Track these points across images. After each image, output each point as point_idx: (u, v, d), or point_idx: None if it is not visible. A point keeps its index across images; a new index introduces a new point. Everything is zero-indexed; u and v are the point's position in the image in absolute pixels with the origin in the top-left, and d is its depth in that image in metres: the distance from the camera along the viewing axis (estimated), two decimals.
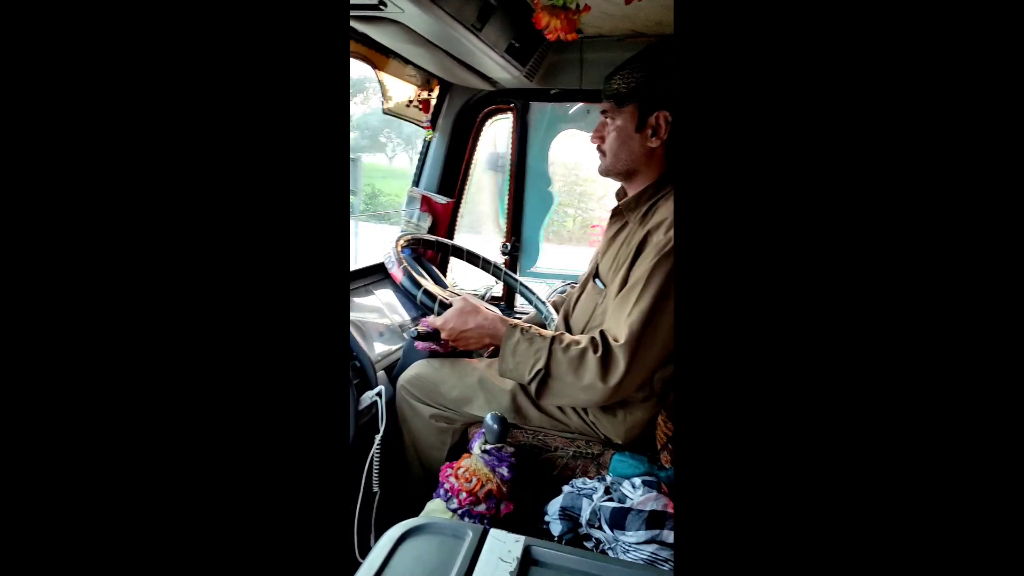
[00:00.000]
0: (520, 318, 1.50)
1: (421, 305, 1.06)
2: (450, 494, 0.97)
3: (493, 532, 0.67)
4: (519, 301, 1.84)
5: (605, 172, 1.08)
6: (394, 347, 1.37)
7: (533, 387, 0.97)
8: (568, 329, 1.18)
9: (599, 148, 1.07)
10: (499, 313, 1.07)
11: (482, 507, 0.96)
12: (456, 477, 0.98)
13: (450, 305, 1.05)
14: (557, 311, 1.33)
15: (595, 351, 0.93)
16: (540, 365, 0.95)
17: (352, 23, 1.09)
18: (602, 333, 0.95)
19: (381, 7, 0.90)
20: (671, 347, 0.98)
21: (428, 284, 1.10)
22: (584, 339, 0.95)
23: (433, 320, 1.06)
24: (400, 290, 1.55)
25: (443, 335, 1.05)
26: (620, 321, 0.94)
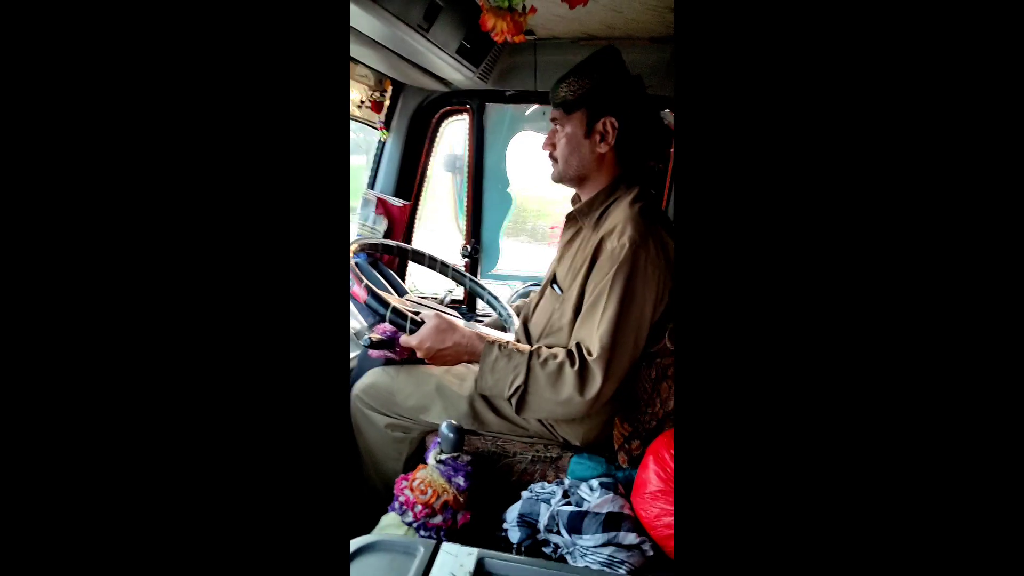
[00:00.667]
0: (482, 321, 1.49)
1: (391, 323, 1.02)
2: (405, 507, 0.95)
3: (445, 546, 0.65)
4: (480, 304, 1.82)
5: (558, 179, 1.08)
6: (351, 355, 1.33)
7: (513, 402, 0.97)
8: (527, 334, 1.17)
9: (551, 155, 1.07)
10: (478, 328, 1.06)
11: (438, 519, 0.95)
12: (411, 489, 0.96)
13: (422, 322, 1.01)
14: (518, 315, 1.32)
15: (572, 364, 0.93)
16: (519, 381, 0.95)
17: None
18: (578, 346, 0.95)
19: None
20: (640, 351, 0.99)
21: (394, 299, 1.07)
22: (561, 353, 0.95)
23: (407, 339, 1.02)
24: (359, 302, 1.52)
25: (419, 354, 1.02)
26: (592, 333, 0.95)
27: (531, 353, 0.97)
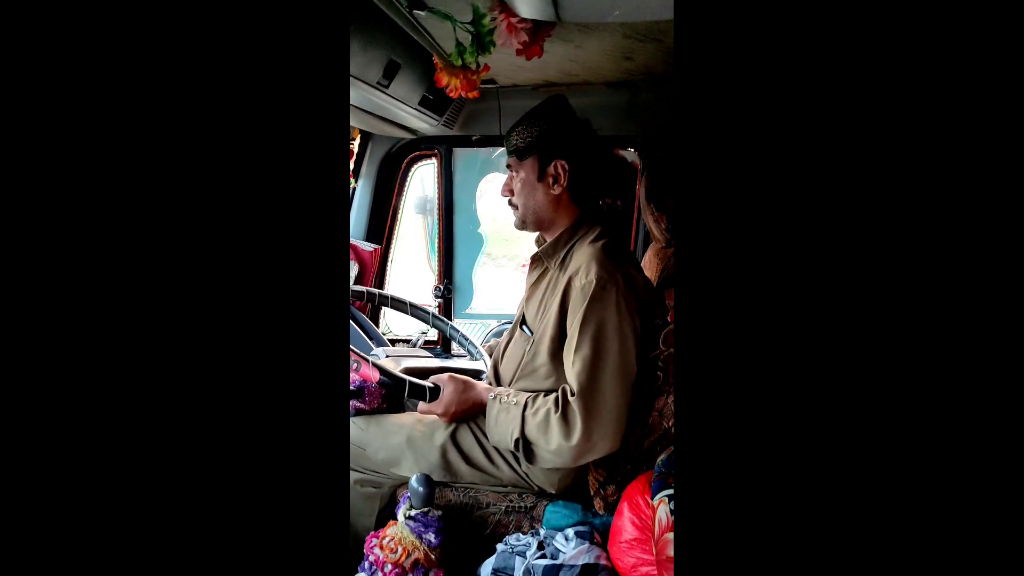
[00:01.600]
0: (458, 362, 1.48)
1: (409, 396, 1.06)
2: (375, 567, 0.93)
3: None
4: (455, 344, 1.82)
5: (520, 224, 1.10)
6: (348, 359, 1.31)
7: (521, 455, 0.98)
8: (497, 377, 1.17)
9: (510, 202, 1.09)
10: (467, 370, 1.09)
11: None
12: (381, 548, 0.94)
13: (438, 388, 1.05)
14: (490, 356, 1.32)
15: (556, 410, 0.94)
16: (517, 433, 0.96)
17: None
18: (563, 390, 0.96)
19: None
20: (627, 388, 0.96)
21: (407, 373, 1.08)
22: (551, 399, 0.96)
23: (430, 408, 1.06)
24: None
25: (444, 420, 1.07)
26: (570, 373, 0.96)
27: (525, 403, 0.98)
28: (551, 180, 1.04)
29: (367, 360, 1.05)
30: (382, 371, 1.04)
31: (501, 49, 0.86)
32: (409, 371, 1.10)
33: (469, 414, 1.07)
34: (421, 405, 1.08)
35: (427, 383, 1.07)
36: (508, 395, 1.02)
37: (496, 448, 1.07)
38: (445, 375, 1.08)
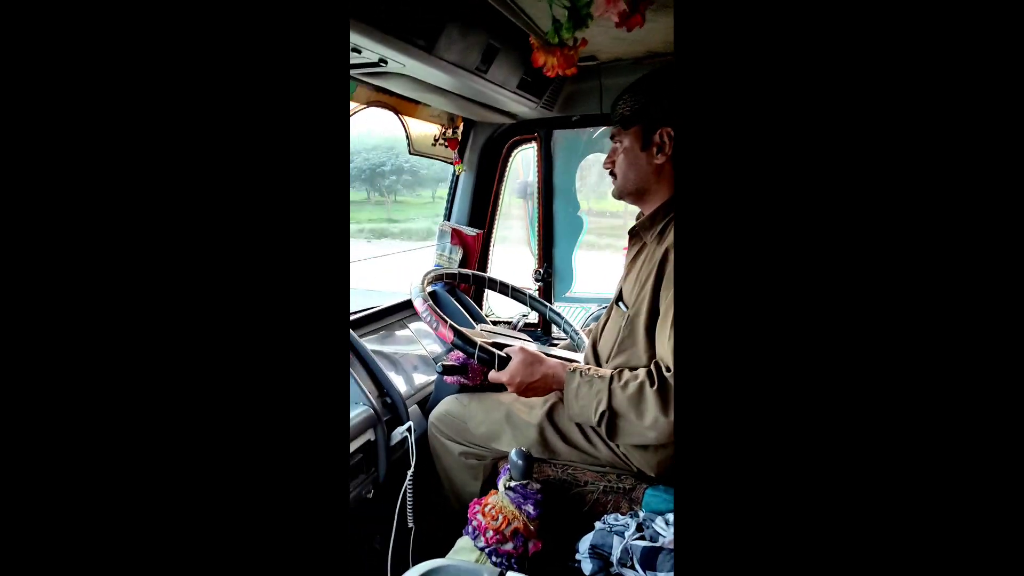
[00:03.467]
0: (556, 345, 1.50)
1: (479, 361, 1.07)
2: (477, 532, 0.98)
3: (510, 575, 0.66)
4: (556, 328, 1.83)
5: (619, 194, 1.08)
6: (429, 379, 1.40)
7: (603, 429, 0.96)
8: (595, 355, 1.16)
9: (611, 172, 1.08)
10: (560, 357, 1.08)
11: (509, 545, 0.96)
12: (483, 514, 0.98)
13: (508, 358, 1.06)
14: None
15: (652, 384, 0.91)
16: (603, 406, 0.95)
17: (366, 79, 1.14)
18: (656, 364, 0.94)
19: (382, 64, 0.94)
20: None
21: (475, 334, 1.11)
22: (641, 373, 0.94)
23: (497, 376, 1.06)
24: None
25: (510, 389, 1.07)
26: (666, 347, 0.93)
27: (611, 377, 0.96)
28: (655, 149, 1.01)
29: (445, 321, 1.09)
30: (456, 332, 1.07)
31: (599, 22, 0.84)
32: (491, 344, 1.11)
33: (537, 387, 1.04)
34: (492, 373, 1.07)
35: (499, 352, 1.07)
36: (588, 369, 0.99)
37: (593, 427, 1.07)
38: (517, 346, 1.08)
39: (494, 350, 1.07)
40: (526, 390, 1.04)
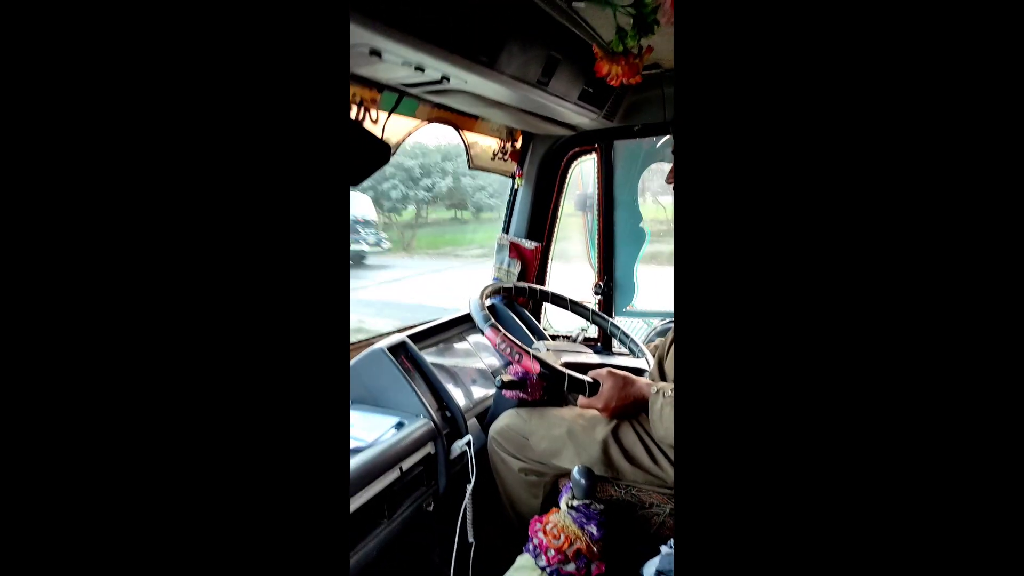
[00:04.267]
0: (619, 359, 1.46)
1: (570, 389, 1.08)
2: (538, 550, 0.95)
3: None
4: (616, 342, 1.79)
5: None
6: (488, 392, 1.39)
7: None
8: (661, 374, 1.12)
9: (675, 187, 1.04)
10: (645, 378, 1.09)
11: (571, 567, 0.93)
12: (544, 533, 0.96)
13: (597, 383, 1.07)
14: (654, 355, 1.27)
15: None
16: None
17: (428, 96, 1.17)
18: None
19: (444, 81, 0.96)
20: None
21: (566, 367, 1.11)
22: None
23: (590, 402, 1.08)
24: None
25: (605, 415, 1.08)
26: None
27: None
28: None
29: (528, 352, 1.08)
30: (542, 363, 1.06)
31: (666, 28, 0.82)
32: (569, 365, 1.11)
33: (629, 410, 1.04)
34: (580, 399, 1.07)
35: (586, 377, 1.06)
36: (670, 388, 0.97)
37: (659, 447, 1.03)
38: (604, 370, 1.07)
39: (584, 378, 1.07)
40: (618, 413, 1.06)
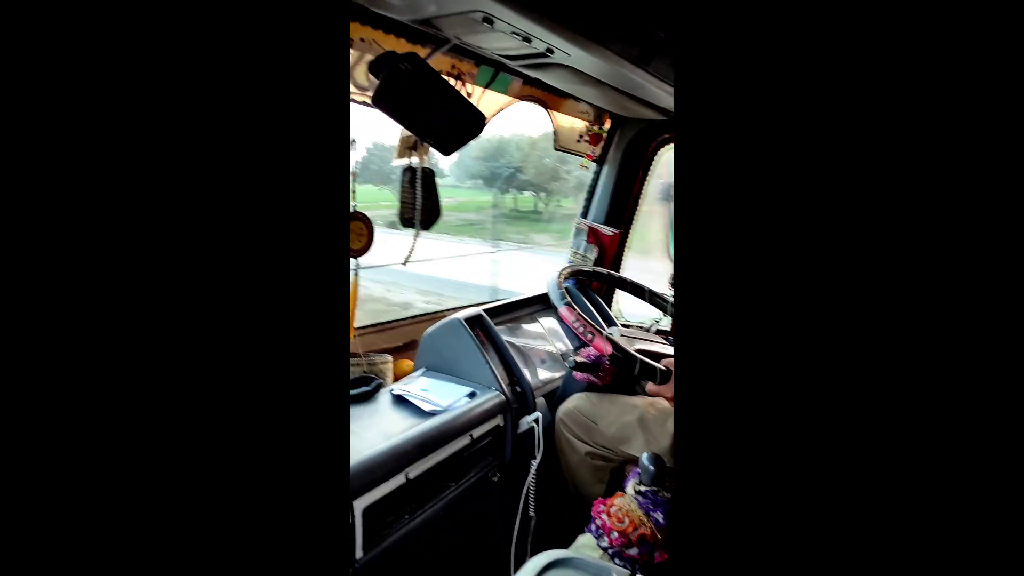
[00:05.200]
0: None
1: (639, 375, 1.08)
2: (601, 531, 0.95)
3: None
4: None
5: None
6: (556, 375, 1.39)
7: None
8: None
9: None
10: None
11: (634, 550, 0.92)
12: (608, 515, 0.95)
13: (669, 372, 1.06)
14: None
15: None
16: None
17: (526, 71, 1.17)
18: None
19: (548, 54, 0.95)
20: None
21: (640, 352, 1.10)
22: None
23: (659, 390, 1.07)
24: (566, 326, 1.58)
25: (672, 404, 1.06)
26: None
27: None
28: None
29: (601, 333, 1.07)
30: (615, 346, 1.05)
31: None
32: (641, 352, 1.08)
33: None
34: (650, 386, 1.05)
35: (659, 365, 1.04)
36: None
37: None
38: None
39: (656, 365, 1.05)
40: None
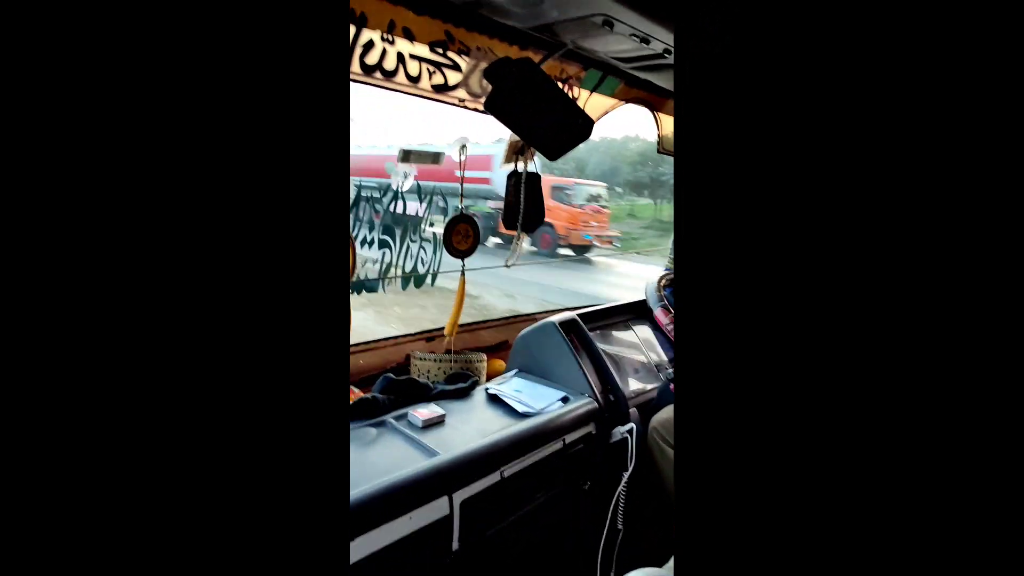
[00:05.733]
0: None
1: None
2: None
3: None
4: None
5: None
6: (649, 386, 1.36)
7: None
8: None
9: None
10: None
11: None
12: None
13: None
14: None
15: None
16: None
17: (637, 72, 1.15)
18: None
19: (665, 56, 0.93)
20: None
21: None
22: None
23: None
24: (661, 336, 1.53)
25: None
26: None
27: None
28: None
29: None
30: None
31: None
32: None
33: None
34: None
35: None
36: None
37: None
38: None
39: None
40: None
